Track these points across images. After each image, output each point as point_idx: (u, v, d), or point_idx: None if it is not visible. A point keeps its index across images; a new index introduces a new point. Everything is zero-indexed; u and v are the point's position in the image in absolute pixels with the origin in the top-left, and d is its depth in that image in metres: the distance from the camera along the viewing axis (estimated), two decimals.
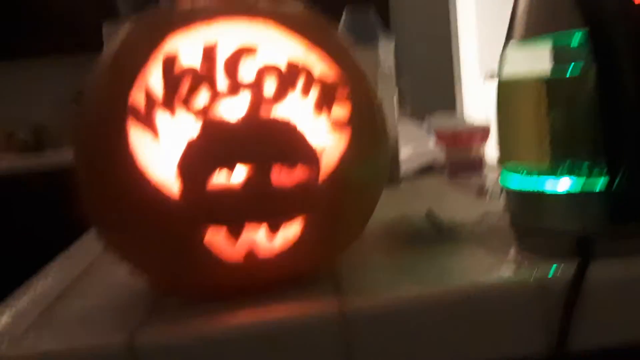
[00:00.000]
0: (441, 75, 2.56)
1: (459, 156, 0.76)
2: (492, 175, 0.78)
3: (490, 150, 0.79)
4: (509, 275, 0.45)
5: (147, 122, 0.42)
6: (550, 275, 0.43)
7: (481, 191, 0.69)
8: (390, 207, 0.55)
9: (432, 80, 2.59)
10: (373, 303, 0.43)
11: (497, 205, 0.63)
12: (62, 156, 2.52)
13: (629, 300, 0.45)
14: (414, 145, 1.05)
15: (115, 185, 0.43)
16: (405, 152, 0.99)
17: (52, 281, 0.57)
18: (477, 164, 0.76)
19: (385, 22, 2.77)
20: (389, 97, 0.74)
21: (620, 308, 0.45)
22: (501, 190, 0.66)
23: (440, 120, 0.89)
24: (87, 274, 0.59)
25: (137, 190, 0.42)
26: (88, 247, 0.70)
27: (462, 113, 2.62)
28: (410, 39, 2.66)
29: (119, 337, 0.41)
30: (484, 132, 0.77)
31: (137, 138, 0.42)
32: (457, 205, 0.63)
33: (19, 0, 2.65)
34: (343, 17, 0.74)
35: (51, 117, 2.83)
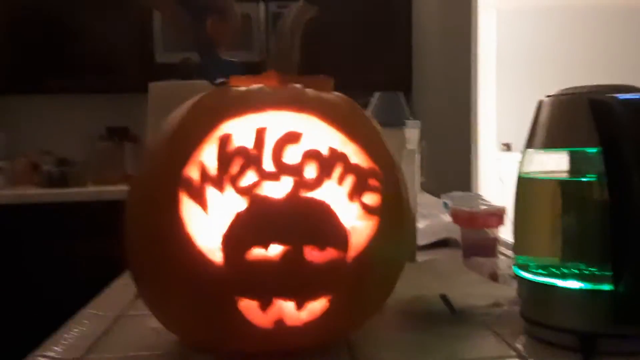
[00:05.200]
0: (458, 145, 2.62)
1: (474, 237, 0.80)
2: (505, 259, 0.81)
3: (506, 234, 0.83)
4: None
5: (199, 195, 0.46)
6: None
7: (494, 275, 0.72)
8: (406, 285, 0.59)
9: (449, 149, 2.65)
10: None
11: (509, 290, 0.66)
12: (86, 192, 2.57)
13: None
14: (430, 218, 1.08)
15: (162, 247, 0.47)
16: (421, 225, 1.03)
17: (85, 330, 0.60)
18: (492, 246, 0.80)
19: (407, 98, 2.85)
20: (411, 175, 0.79)
21: None
22: (513, 277, 0.69)
23: (457, 199, 0.93)
24: (117, 325, 0.62)
25: (183, 253, 0.46)
26: (116, 296, 0.73)
27: (476, 181, 2.66)
28: (429, 107, 2.74)
29: None
30: (500, 215, 0.80)
31: (188, 208, 0.47)
32: (470, 288, 0.66)
33: (55, 37, 2.76)
34: (374, 100, 0.79)
35: (78, 152, 2.91)
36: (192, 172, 0.47)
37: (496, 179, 3.02)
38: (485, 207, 0.82)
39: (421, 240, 0.95)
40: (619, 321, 0.49)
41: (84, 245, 2.39)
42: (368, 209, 0.49)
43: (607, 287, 0.49)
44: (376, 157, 0.51)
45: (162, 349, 0.54)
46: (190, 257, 0.46)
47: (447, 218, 1.08)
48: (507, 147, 3.46)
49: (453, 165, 2.65)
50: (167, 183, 0.47)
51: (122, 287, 0.76)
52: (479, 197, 0.99)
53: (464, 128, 2.64)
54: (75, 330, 0.60)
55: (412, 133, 0.79)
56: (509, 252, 0.87)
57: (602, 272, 0.50)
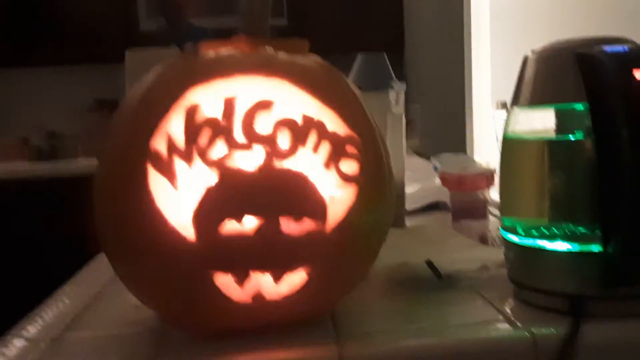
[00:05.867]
0: (453, 105, 2.58)
1: (464, 200, 0.78)
2: (496, 220, 0.79)
3: (495, 195, 0.81)
4: (505, 331, 0.47)
5: (167, 169, 0.44)
6: (544, 333, 0.45)
7: (483, 238, 0.70)
8: (393, 251, 0.57)
9: (442, 109, 2.61)
10: (371, 352, 0.45)
11: (498, 253, 0.65)
12: (76, 165, 2.55)
13: None
14: (420, 182, 1.07)
15: (132, 224, 0.45)
16: (411, 189, 1.01)
17: (63, 308, 0.59)
18: (481, 209, 0.78)
19: (400, 58, 2.79)
20: (397, 140, 0.77)
21: None
22: (502, 240, 0.68)
23: (447, 161, 0.91)
24: (97, 302, 0.61)
25: (154, 230, 0.44)
26: (96, 272, 0.72)
27: (471, 142, 2.64)
28: (423, 66, 2.69)
29: None
30: (489, 177, 0.78)
31: (156, 182, 0.44)
32: (458, 252, 0.65)
33: (38, 9, 2.70)
34: (356, 63, 0.76)
35: (66, 126, 2.88)
36: (159, 145, 0.45)
37: (492, 138, 2.99)
38: (474, 168, 0.81)
39: (411, 205, 0.93)
40: (609, 283, 0.48)
41: (76, 219, 2.37)
42: (346, 178, 0.47)
43: (596, 248, 0.48)
44: (354, 123, 0.48)
45: (142, 326, 0.53)
46: (162, 234, 0.44)
47: (438, 181, 1.06)
48: (503, 105, 3.42)
49: (448, 126, 2.62)
50: (134, 156, 0.45)
51: (102, 264, 0.74)
52: (468, 158, 0.97)
53: (458, 88, 2.60)
54: (53, 308, 0.58)
55: (397, 96, 0.76)
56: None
57: (591, 233, 0.48)
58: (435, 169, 1.00)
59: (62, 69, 2.91)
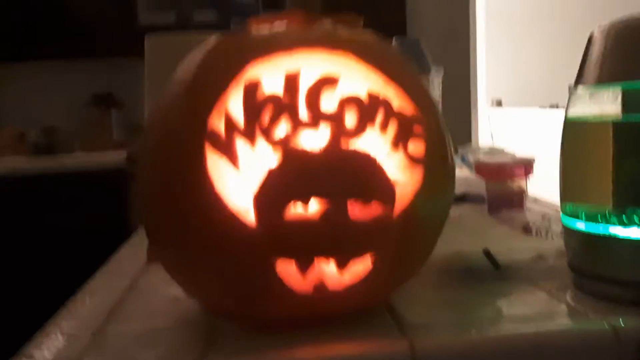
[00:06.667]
0: (455, 98, 2.56)
1: (501, 190, 0.76)
2: (534, 211, 0.77)
3: (533, 184, 0.79)
4: (583, 323, 0.44)
5: (227, 149, 0.41)
6: (627, 325, 0.42)
7: (527, 228, 0.68)
8: (440, 241, 0.54)
9: (445, 103, 2.59)
10: (443, 344, 0.42)
11: (548, 243, 0.62)
12: (74, 160, 2.50)
13: None
14: None
15: (188, 209, 0.42)
16: None
17: (97, 301, 0.56)
18: (519, 199, 0.76)
19: None
20: None
21: None
22: (548, 228, 0.65)
23: (478, 151, 0.89)
24: (131, 294, 0.58)
25: (212, 214, 0.41)
26: (124, 264, 0.69)
27: (476, 136, 2.63)
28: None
29: None
30: (528, 166, 0.76)
31: (215, 163, 0.41)
32: (506, 242, 0.62)
33: (35, 3, 2.65)
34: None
35: (63, 121, 2.82)
36: (218, 123, 0.42)
37: (487, 134, 2.98)
38: (510, 157, 0.78)
39: None
40: None
41: (76, 215, 2.33)
42: (413, 159, 0.44)
43: None
44: (418, 100, 0.46)
45: (185, 319, 0.50)
46: (220, 219, 0.41)
47: (462, 172, 1.03)
48: (498, 102, 3.41)
49: (450, 120, 2.60)
50: (190, 136, 0.42)
51: (129, 255, 0.72)
52: (498, 148, 0.94)
53: (461, 81, 2.59)
54: (87, 301, 0.55)
55: (435, 81, 0.73)
56: (535, 205, 0.83)
57: None
58: (463, 159, 0.98)
59: (59, 63, 2.85)
